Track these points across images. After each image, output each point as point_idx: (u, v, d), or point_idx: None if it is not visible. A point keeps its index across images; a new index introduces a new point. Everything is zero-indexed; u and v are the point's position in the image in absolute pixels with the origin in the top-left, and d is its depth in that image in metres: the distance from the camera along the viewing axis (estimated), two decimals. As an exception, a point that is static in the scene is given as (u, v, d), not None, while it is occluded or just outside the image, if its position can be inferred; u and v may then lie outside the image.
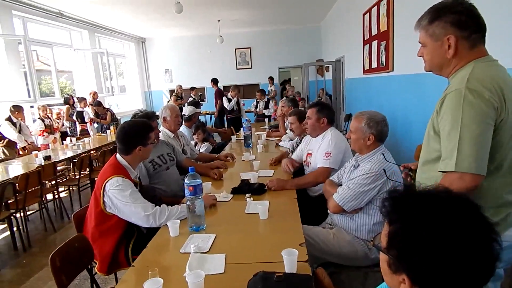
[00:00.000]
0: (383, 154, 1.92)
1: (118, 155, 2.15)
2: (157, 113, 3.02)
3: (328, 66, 10.14)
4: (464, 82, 1.17)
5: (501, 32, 2.18)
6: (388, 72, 4.69)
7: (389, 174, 1.86)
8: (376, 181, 1.86)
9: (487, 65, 1.23)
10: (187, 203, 1.86)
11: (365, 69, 5.88)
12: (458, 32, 1.22)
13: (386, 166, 1.87)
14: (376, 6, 5.02)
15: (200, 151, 4.23)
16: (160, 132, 3.05)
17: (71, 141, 5.84)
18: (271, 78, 10.68)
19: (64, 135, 6.78)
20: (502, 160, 1.20)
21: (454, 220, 0.69)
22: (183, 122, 4.52)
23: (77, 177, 4.77)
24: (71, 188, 5.05)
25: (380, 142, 1.99)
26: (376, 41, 5.12)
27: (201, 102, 8.52)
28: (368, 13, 5.48)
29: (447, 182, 1.15)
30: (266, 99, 7.80)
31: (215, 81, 8.85)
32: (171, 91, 10.39)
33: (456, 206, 0.72)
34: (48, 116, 6.41)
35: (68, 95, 7.61)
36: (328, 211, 2.10)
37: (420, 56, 1.37)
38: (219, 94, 8.56)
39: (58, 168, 4.83)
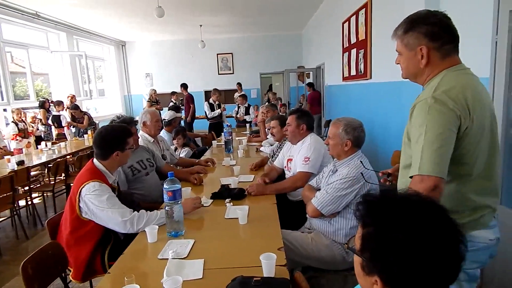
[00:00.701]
0: (361, 161, 1.96)
1: (95, 160, 2.11)
2: (136, 119, 2.98)
3: (309, 73, 10.29)
4: (432, 91, 1.22)
5: (472, 42, 2.28)
6: (366, 79, 4.80)
7: (366, 178, 1.91)
8: (353, 186, 1.90)
9: (457, 74, 1.28)
10: (166, 208, 1.84)
11: (344, 76, 6.00)
12: (430, 43, 1.27)
13: (363, 171, 1.91)
14: (355, 15, 5.14)
15: (180, 156, 4.20)
16: (139, 138, 3.01)
17: (46, 145, 5.66)
18: (239, 84, 10.31)
19: (38, 140, 6.57)
20: (471, 165, 1.26)
21: (424, 223, 0.72)
22: (164, 127, 4.47)
23: (51, 182, 4.63)
24: (45, 194, 4.89)
25: (357, 147, 2.03)
26: (355, 49, 5.24)
27: (181, 107, 8.45)
28: (347, 22, 5.61)
29: (412, 185, 1.20)
30: (246, 105, 7.73)
31: (185, 86, 8.66)
32: (151, 95, 10.22)
33: (425, 210, 0.75)
34: (22, 119, 6.21)
35: (44, 98, 7.39)
36: (307, 215, 2.12)
37: (398, 63, 1.42)
38: (191, 99, 8.48)
39: (32, 173, 4.68)
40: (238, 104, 7.86)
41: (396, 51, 1.40)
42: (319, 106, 8.91)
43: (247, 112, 7.63)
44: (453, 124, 1.19)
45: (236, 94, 9.71)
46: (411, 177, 1.22)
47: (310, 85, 9.22)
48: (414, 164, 1.21)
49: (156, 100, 9.51)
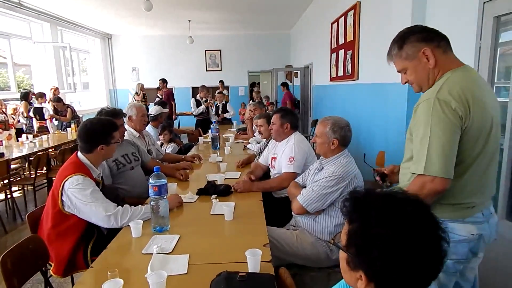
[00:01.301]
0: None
1: (79, 153, 2.06)
2: (124, 111, 2.94)
3: (297, 72, 10.33)
4: (435, 92, 1.27)
5: (456, 46, 2.33)
6: (353, 80, 4.86)
7: (352, 177, 1.94)
8: (338, 184, 1.93)
9: (462, 75, 1.32)
10: (151, 203, 1.82)
11: (332, 76, 6.05)
12: (429, 44, 1.33)
13: (352, 167, 1.98)
14: (343, 17, 5.19)
15: (166, 151, 4.16)
16: (126, 130, 2.97)
17: (27, 138, 5.52)
18: (221, 82, 10.03)
19: (20, 132, 6.39)
20: (463, 162, 1.29)
21: (408, 220, 0.74)
22: (149, 122, 4.42)
23: (32, 176, 4.52)
24: (25, 188, 4.76)
25: (343, 146, 2.06)
26: (343, 50, 5.29)
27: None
28: (336, 23, 5.66)
29: (419, 183, 1.25)
30: (223, 102, 7.56)
31: (165, 81, 8.44)
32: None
33: (410, 207, 0.76)
34: (3, 111, 6.02)
35: (26, 89, 7.19)
36: (292, 212, 2.14)
37: (406, 82, 1.45)
38: (172, 95, 8.32)
39: (12, 166, 4.55)
40: (216, 103, 7.68)
41: (398, 72, 1.43)
42: (293, 107, 8.92)
43: (224, 110, 7.46)
44: (457, 126, 1.24)
45: (217, 92, 9.60)
46: (413, 173, 1.26)
47: (284, 84, 9.16)
48: (418, 162, 1.26)
49: (143, 95, 9.37)
